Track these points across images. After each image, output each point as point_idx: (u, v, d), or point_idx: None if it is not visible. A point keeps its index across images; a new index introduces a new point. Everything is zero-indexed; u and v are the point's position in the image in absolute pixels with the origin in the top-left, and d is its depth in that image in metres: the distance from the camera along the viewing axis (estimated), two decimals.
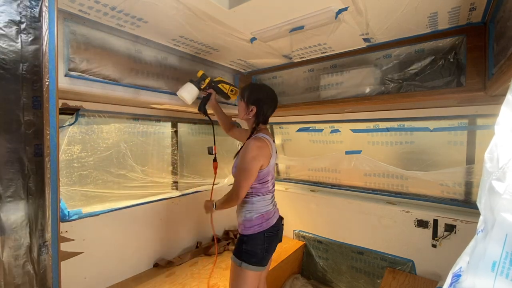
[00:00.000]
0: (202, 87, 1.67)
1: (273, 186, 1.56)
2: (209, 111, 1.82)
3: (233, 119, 2.85)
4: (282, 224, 1.60)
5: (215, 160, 1.76)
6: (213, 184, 1.79)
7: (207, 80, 1.67)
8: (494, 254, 0.48)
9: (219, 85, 1.69)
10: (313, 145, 2.65)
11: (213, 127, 1.80)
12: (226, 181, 2.64)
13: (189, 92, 1.62)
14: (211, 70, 2.09)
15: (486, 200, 0.54)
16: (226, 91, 1.71)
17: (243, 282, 1.38)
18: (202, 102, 1.73)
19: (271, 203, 1.50)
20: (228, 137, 2.90)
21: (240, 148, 1.48)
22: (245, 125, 2.19)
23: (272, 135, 1.58)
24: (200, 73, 1.67)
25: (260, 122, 1.50)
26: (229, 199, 1.40)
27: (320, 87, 1.97)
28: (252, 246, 1.39)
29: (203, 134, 2.67)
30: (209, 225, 2.58)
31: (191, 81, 1.64)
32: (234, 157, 1.53)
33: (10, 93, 0.71)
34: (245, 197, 1.45)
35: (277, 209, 1.60)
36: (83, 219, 1.68)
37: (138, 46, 1.58)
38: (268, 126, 1.71)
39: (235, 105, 2.31)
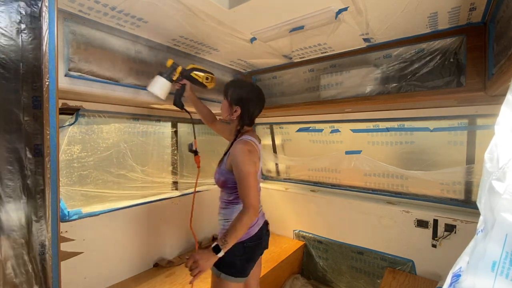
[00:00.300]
0: (174, 79, 1.48)
1: (259, 191, 1.42)
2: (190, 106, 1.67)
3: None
4: (268, 231, 1.48)
5: (196, 154, 1.59)
6: (196, 185, 1.62)
7: (178, 70, 1.48)
8: (494, 254, 0.48)
9: (192, 74, 1.50)
10: (313, 145, 2.65)
11: (192, 122, 1.65)
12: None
13: (160, 87, 1.44)
14: (211, 69, 2.09)
15: (486, 200, 0.54)
16: (200, 80, 1.51)
17: None
18: (176, 96, 1.54)
19: None
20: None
21: (225, 154, 1.35)
22: None
23: (258, 137, 1.46)
24: (169, 63, 1.47)
25: (245, 124, 1.38)
26: (245, 218, 1.16)
27: (320, 87, 1.97)
28: (230, 257, 1.24)
29: (203, 134, 2.67)
30: (209, 224, 2.60)
31: (161, 74, 1.45)
32: (218, 165, 1.38)
33: (10, 93, 0.71)
34: (226, 205, 1.36)
35: (263, 213, 1.49)
36: (83, 219, 1.68)
37: (138, 46, 1.57)
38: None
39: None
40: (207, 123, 1.71)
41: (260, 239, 1.37)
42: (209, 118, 1.70)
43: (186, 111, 1.61)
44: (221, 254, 1.14)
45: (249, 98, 1.35)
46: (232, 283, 1.27)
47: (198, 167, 1.61)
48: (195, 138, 1.63)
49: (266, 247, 1.48)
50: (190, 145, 1.59)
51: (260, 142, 1.44)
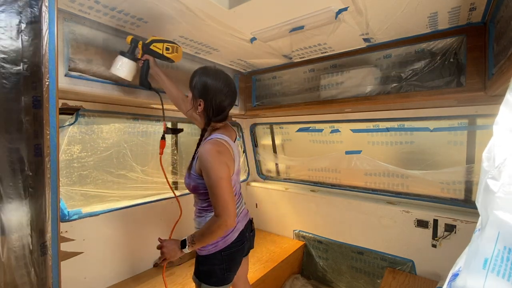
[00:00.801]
0: (139, 57, 1.35)
1: (237, 194, 1.29)
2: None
3: (233, 118, 2.85)
4: (253, 231, 1.37)
5: (163, 138, 1.44)
6: (167, 179, 1.49)
7: (139, 45, 1.33)
8: (486, 252, 0.48)
9: (152, 47, 1.32)
10: (313, 145, 2.65)
11: (161, 100, 1.47)
12: None
13: (123, 68, 1.29)
14: None
15: (482, 199, 0.54)
16: (161, 52, 1.33)
17: None
18: (141, 75, 1.38)
19: None
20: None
21: (193, 156, 1.20)
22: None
23: (234, 131, 1.29)
24: (129, 39, 1.32)
25: (212, 120, 1.19)
26: (214, 227, 1.07)
27: (320, 87, 1.97)
28: (209, 266, 1.19)
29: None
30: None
31: (122, 53, 1.31)
32: (188, 169, 1.24)
33: (10, 93, 0.72)
34: (199, 213, 1.26)
35: (245, 213, 1.35)
36: (83, 219, 1.68)
37: None
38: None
39: None
40: (177, 106, 1.48)
41: (241, 244, 1.26)
42: (179, 100, 1.45)
43: (155, 90, 1.44)
44: (186, 251, 1.13)
45: (215, 89, 1.15)
46: None
47: (161, 153, 1.45)
48: (164, 119, 1.48)
49: (251, 247, 1.40)
50: (168, 130, 1.45)
51: (235, 138, 1.28)
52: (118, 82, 1.47)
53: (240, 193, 1.36)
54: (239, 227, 1.27)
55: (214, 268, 1.19)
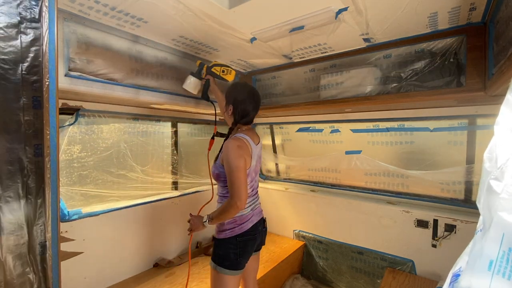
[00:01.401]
0: (203, 77, 1.76)
1: (254, 190, 1.48)
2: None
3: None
4: (265, 228, 1.54)
5: (212, 138, 1.70)
6: (211, 179, 1.59)
7: (204, 68, 1.75)
8: (491, 253, 0.48)
9: (212, 70, 1.73)
10: (313, 145, 2.65)
11: (215, 109, 1.80)
12: None
13: (193, 85, 1.74)
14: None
15: (485, 200, 0.54)
16: (218, 73, 1.73)
17: (221, 285, 1.35)
18: (203, 90, 1.78)
19: (248, 207, 1.42)
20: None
21: (220, 151, 1.42)
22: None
23: (257, 136, 1.54)
24: (198, 63, 1.77)
25: (239, 122, 1.45)
26: (228, 206, 1.28)
27: (320, 87, 1.96)
28: (224, 250, 1.37)
29: (203, 134, 2.67)
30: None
31: (192, 74, 1.74)
32: (215, 160, 1.47)
33: (10, 93, 0.72)
34: (220, 199, 1.44)
35: (259, 211, 1.53)
36: (83, 219, 1.68)
37: (139, 46, 1.58)
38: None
39: None
40: (222, 113, 1.74)
41: (253, 235, 1.43)
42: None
43: (211, 101, 1.80)
44: (206, 224, 1.39)
45: (241, 98, 1.43)
46: (228, 275, 1.35)
47: (209, 149, 1.69)
48: (216, 124, 1.78)
49: (263, 243, 1.56)
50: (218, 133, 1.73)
51: (258, 142, 1.49)
52: (118, 82, 1.48)
53: (257, 191, 1.54)
54: (254, 220, 1.44)
55: (229, 252, 1.36)
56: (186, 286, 1.69)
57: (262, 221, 1.53)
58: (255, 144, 1.44)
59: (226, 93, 1.49)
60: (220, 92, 1.75)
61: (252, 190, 1.46)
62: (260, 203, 1.56)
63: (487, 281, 0.47)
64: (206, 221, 1.38)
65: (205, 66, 1.74)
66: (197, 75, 1.74)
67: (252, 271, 1.59)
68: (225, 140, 1.43)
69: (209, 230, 2.59)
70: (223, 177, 1.37)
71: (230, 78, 1.76)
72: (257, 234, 1.45)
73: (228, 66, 1.74)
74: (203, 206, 1.65)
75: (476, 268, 0.49)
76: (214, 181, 1.52)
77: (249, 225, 1.41)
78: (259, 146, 1.50)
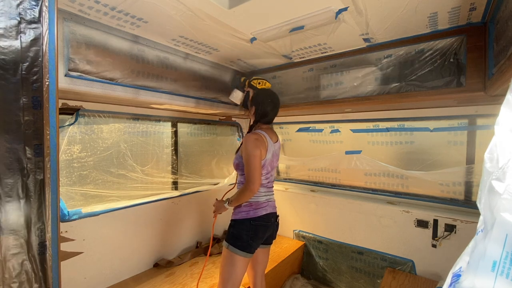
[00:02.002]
0: (245, 89, 2.09)
1: (269, 183, 1.62)
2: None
3: (233, 118, 2.86)
4: (277, 223, 1.66)
5: (239, 140, 1.98)
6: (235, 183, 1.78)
7: (246, 83, 2.07)
8: (494, 254, 0.48)
9: (252, 83, 2.02)
10: (313, 145, 2.65)
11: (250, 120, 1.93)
12: (226, 181, 2.64)
13: (237, 96, 2.10)
14: (212, 69, 2.09)
15: (486, 200, 0.54)
16: (255, 85, 2.02)
17: (230, 264, 1.46)
18: (244, 100, 2.13)
19: (263, 196, 1.56)
20: (227, 137, 2.92)
21: (240, 145, 1.58)
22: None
23: (276, 136, 1.70)
24: (242, 79, 2.14)
25: (259, 121, 1.61)
26: (244, 189, 1.45)
27: (320, 87, 1.96)
28: (238, 230, 1.50)
29: (202, 134, 2.67)
30: (209, 224, 2.60)
31: (237, 87, 2.10)
32: (236, 152, 1.64)
33: (10, 93, 0.71)
34: (239, 186, 1.58)
35: (274, 205, 1.66)
36: (83, 219, 1.68)
37: (139, 46, 1.57)
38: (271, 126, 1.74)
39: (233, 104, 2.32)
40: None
41: (266, 222, 1.55)
42: None
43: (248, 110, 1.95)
44: (226, 206, 1.56)
45: (261, 99, 1.61)
46: (238, 255, 1.45)
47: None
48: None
49: (274, 236, 1.66)
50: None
51: (276, 140, 1.65)
52: (118, 82, 1.48)
53: (273, 185, 1.67)
54: (268, 209, 1.58)
55: (242, 233, 1.48)
56: (200, 276, 1.82)
57: (275, 216, 1.64)
58: (273, 141, 1.59)
59: (251, 97, 1.68)
60: None
61: (268, 182, 1.60)
62: (274, 200, 1.68)
63: (491, 282, 0.47)
64: (226, 203, 1.56)
65: (247, 81, 2.05)
66: (241, 88, 2.08)
67: (261, 263, 1.68)
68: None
69: (208, 229, 2.59)
70: (242, 166, 1.52)
71: (267, 87, 2.03)
72: (269, 223, 1.56)
73: (264, 79, 2.05)
74: (226, 192, 1.82)
75: (479, 269, 0.49)
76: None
77: (262, 212, 1.54)
78: (277, 144, 1.64)
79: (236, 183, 1.70)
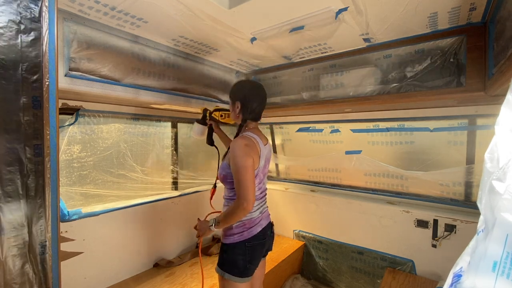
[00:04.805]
0: (207, 121, 1.74)
1: (262, 192, 1.42)
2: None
3: None
4: (272, 233, 1.47)
5: (214, 187, 1.64)
6: (211, 203, 1.60)
7: (207, 114, 1.73)
8: (495, 254, 0.48)
9: (213, 115, 1.70)
10: (313, 145, 2.65)
11: (218, 155, 1.68)
12: None
13: (199, 132, 1.77)
14: (212, 70, 2.09)
15: (487, 200, 0.54)
16: (217, 118, 1.69)
17: None
18: (207, 136, 1.77)
19: (256, 210, 1.36)
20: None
21: (227, 151, 1.38)
22: None
23: (265, 137, 1.47)
24: (201, 109, 1.77)
25: (248, 118, 1.38)
26: (235, 208, 1.21)
27: (320, 87, 1.96)
28: (232, 256, 1.29)
29: None
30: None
31: (197, 121, 1.77)
32: (223, 158, 1.41)
33: (10, 93, 0.71)
34: (227, 202, 1.37)
35: (267, 215, 1.47)
36: (83, 219, 1.68)
37: (139, 46, 1.57)
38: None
39: None
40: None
41: (263, 240, 1.35)
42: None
43: (216, 147, 1.76)
44: (212, 228, 1.29)
45: (246, 93, 1.36)
46: (237, 283, 1.27)
47: (211, 198, 1.62)
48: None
49: (270, 248, 1.48)
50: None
51: (266, 143, 1.42)
52: (118, 82, 1.48)
53: (265, 194, 1.47)
54: (263, 223, 1.38)
55: (238, 259, 1.28)
56: (203, 277, 1.56)
57: (270, 226, 1.46)
58: (264, 144, 1.38)
59: (230, 93, 1.42)
60: (223, 134, 1.76)
61: (261, 193, 1.40)
62: (267, 206, 1.50)
63: (492, 282, 0.47)
64: (212, 225, 1.28)
65: (208, 112, 1.71)
66: (202, 121, 1.73)
67: (257, 278, 1.50)
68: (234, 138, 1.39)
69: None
70: (230, 178, 1.28)
71: (229, 120, 1.70)
72: (266, 238, 1.38)
73: (224, 109, 1.70)
74: (210, 213, 1.54)
75: (479, 269, 0.49)
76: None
77: (258, 229, 1.33)
78: (268, 147, 1.43)
79: (224, 198, 1.41)
